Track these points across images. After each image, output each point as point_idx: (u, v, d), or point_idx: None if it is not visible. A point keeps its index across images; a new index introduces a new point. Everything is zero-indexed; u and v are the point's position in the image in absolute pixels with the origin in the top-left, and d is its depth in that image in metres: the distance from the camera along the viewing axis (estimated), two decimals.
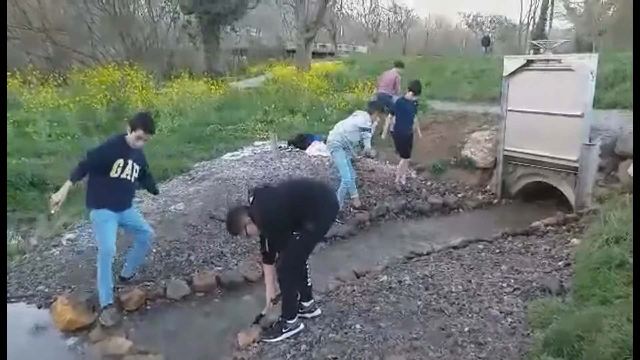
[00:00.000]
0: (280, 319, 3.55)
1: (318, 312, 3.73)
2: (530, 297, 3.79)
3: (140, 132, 3.91)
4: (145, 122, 3.99)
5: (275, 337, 3.47)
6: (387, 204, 6.82)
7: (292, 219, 3.36)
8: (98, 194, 3.91)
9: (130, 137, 3.92)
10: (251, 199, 3.47)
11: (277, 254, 3.55)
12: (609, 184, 6.03)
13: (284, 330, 3.49)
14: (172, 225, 5.43)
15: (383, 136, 7.46)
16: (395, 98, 8.65)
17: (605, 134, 6.69)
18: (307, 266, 3.71)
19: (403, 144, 7.24)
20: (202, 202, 6.01)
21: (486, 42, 27.37)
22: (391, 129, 7.32)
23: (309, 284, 3.73)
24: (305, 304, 3.70)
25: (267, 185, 4.00)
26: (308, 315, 3.69)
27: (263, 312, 3.71)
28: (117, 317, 3.91)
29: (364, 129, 6.26)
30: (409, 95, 7.06)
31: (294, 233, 3.39)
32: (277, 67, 20.64)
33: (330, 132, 6.58)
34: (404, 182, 7.35)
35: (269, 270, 3.65)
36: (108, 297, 3.94)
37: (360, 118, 6.35)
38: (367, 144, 6.33)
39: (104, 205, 3.91)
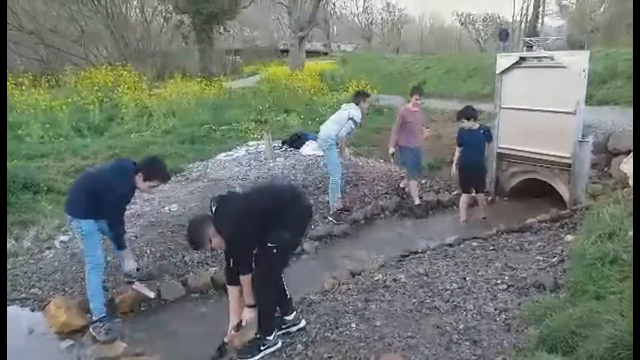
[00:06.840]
0: (257, 336, 3.35)
1: (303, 323, 3.55)
2: (524, 294, 3.79)
3: (155, 182, 3.86)
4: (163, 175, 3.92)
5: (252, 357, 3.27)
6: (382, 203, 6.82)
7: (260, 231, 3.10)
8: (92, 206, 3.73)
9: (142, 185, 3.78)
10: (214, 208, 3.18)
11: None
12: (602, 180, 6.06)
13: (262, 348, 3.30)
14: (166, 226, 5.41)
15: (453, 172, 6.37)
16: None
17: (598, 130, 6.72)
18: (283, 279, 3.50)
19: (474, 172, 6.20)
20: (196, 203, 6.00)
21: (504, 35, 24.95)
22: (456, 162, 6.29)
23: (289, 296, 3.58)
24: (289, 318, 3.53)
25: (231, 191, 3.65)
26: (293, 328, 3.52)
27: (225, 340, 3.40)
28: (113, 334, 3.64)
29: (355, 122, 6.23)
30: (467, 124, 6.04)
31: (270, 245, 3.14)
32: (271, 67, 20.62)
33: (322, 128, 6.34)
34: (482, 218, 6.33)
35: (233, 293, 3.35)
36: (101, 310, 3.77)
37: (355, 112, 6.21)
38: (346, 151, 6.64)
39: (92, 216, 3.76)
